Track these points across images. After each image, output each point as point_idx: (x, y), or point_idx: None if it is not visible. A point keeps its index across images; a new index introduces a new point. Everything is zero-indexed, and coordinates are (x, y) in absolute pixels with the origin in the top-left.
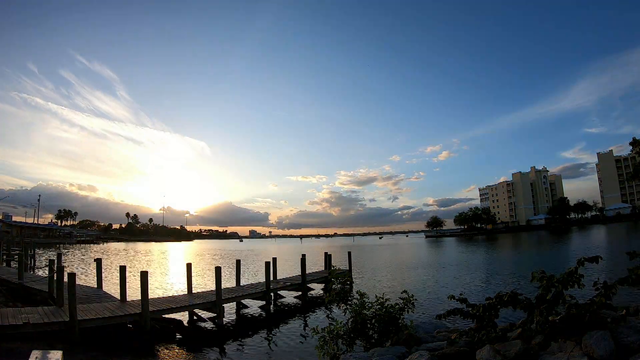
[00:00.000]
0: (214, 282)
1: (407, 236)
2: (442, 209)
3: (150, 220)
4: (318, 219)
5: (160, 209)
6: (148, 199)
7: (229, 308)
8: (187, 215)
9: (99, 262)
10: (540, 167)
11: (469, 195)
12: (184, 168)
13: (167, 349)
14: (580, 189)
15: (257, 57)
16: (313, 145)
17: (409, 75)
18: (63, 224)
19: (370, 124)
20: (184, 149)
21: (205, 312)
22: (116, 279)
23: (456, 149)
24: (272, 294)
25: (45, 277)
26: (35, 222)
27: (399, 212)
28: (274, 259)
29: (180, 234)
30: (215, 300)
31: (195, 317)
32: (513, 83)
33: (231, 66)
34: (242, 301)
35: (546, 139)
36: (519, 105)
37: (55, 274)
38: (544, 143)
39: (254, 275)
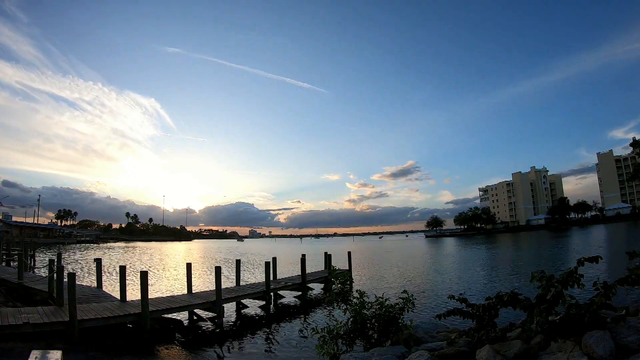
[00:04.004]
0: (214, 281)
1: (406, 236)
2: (457, 206)
3: (150, 220)
4: (328, 218)
5: (174, 209)
6: (124, 193)
7: (229, 308)
8: (195, 213)
9: (98, 262)
10: (540, 167)
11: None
12: (148, 149)
13: (167, 349)
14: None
15: None
16: (329, 141)
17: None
18: (63, 223)
19: (386, 119)
20: (132, 111)
21: (205, 312)
22: (116, 279)
23: (484, 135)
24: (272, 293)
25: (45, 277)
26: (35, 222)
27: (414, 211)
28: (274, 259)
29: (180, 234)
30: (215, 300)
31: (195, 317)
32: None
33: None
34: (242, 301)
35: (603, 103)
36: (571, 51)
37: (55, 274)
38: (597, 113)
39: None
